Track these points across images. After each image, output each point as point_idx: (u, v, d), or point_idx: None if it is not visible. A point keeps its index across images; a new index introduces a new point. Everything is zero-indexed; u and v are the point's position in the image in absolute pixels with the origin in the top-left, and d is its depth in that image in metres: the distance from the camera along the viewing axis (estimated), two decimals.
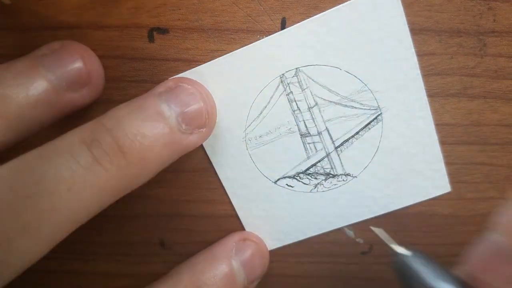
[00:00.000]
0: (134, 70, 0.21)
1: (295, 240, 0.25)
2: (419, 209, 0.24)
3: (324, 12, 0.20)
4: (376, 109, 0.22)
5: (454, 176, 0.24)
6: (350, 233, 0.25)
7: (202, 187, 0.24)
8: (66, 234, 0.18)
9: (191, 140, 0.20)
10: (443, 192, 0.24)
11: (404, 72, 0.21)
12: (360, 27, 0.20)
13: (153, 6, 0.20)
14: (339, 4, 0.20)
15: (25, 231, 0.17)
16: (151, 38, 0.21)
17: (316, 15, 0.20)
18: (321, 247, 0.25)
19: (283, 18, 0.20)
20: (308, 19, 0.20)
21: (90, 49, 0.21)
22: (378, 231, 0.18)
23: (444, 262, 0.26)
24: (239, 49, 0.21)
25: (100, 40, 0.21)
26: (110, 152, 0.18)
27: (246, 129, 0.22)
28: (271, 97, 0.22)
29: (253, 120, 0.22)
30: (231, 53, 0.21)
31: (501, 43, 0.21)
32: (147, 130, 0.18)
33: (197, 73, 0.21)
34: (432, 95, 0.22)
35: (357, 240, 0.25)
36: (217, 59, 0.21)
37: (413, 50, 0.21)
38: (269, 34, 0.21)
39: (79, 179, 0.17)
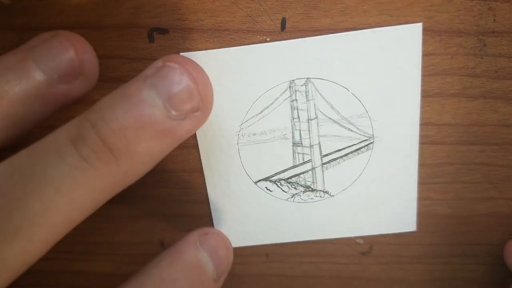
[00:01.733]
0: (134, 70, 0.21)
1: (258, 243, 0.25)
2: (419, 209, 0.24)
3: (348, 32, 0.20)
4: (370, 137, 0.22)
5: (454, 176, 0.24)
6: None
7: (202, 188, 0.24)
8: (63, 234, 0.18)
9: (184, 126, 0.18)
10: (407, 230, 0.25)
11: (405, 110, 0.22)
12: (378, 56, 0.20)
13: (153, 6, 0.20)
14: (339, 4, 0.20)
15: (17, 233, 0.16)
16: (151, 38, 0.21)
17: (340, 32, 0.20)
18: (321, 247, 0.25)
19: (283, 18, 0.20)
20: (332, 34, 0.20)
21: (82, 38, 0.20)
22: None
23: (445, 263, 0.27)
24: (258, 44, 0.21)
25: (100, 40, 0.21)
26: (96, 149, 0.17)
27: (242, 123, 0.22)
28: (276, 99, 0.22)
29: (252, 117, 0.22)
30: (249, 45, 0.21)
31: (501, 43, 0.21)
32: (131, 121, 0.17)
33: (208, 56, 0.21)
34: (432, 95, 0.22)
35: (357, 240, 0.25)
36: (235, 47, 0.21)
37: (419, 93, 0.21)
38: (269, 35, 0.21)
39: (67, 179, 0.16)
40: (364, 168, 0.23)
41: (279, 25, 0.20)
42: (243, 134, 0.22)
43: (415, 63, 0.21)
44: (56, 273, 0.27)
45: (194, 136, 0.23)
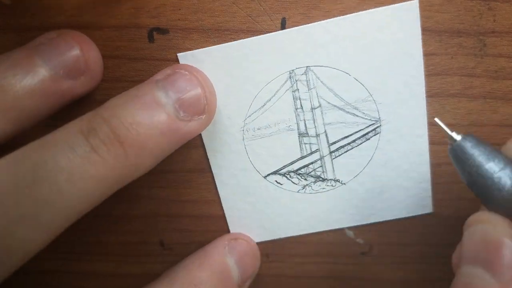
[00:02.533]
0: (134, 70, 0.21)
1: (274, 237, 0.25)
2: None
3: (344, 16, 0.20)
4: (376, 121, 0.22)
5: (454, 177, 0.24)
6: (350, 234, 0.25)
7: (201, 188, 0.24)
8: (68, 223, 0.18)
9: (190, 127, 0.19)
10: (424, 212, 0.24)
11: (410, 89, 0.21)
12: (377, 37, 0.20)
13: (153, 6, 0.20)
14: (339, 4, 0.20)
15: (25, 220, 0.17)
16: (151, 38, 0.21)
17: (331, 18, 0.20)
18: (321, 248, 0.25)
19: (283, 18, 0.20)
20: (328, 20, 0.20)
21: (87, 36, 0.20)
22: (437, 120, 0.18)
23: (445, 263, 0.26)
24: (253, 37, 0.20)
25: (100, 40, 0.21)
26: (107, 141, 0.18)
27: (246, 119, 0.22)
28: (277, 91, 0.22)
29: (255, 112, 0.22)
30: (244, 39, 0.21)
31: (501, 43, 0.21)
32: (143, 118, 0.18)
33: (207, 53, 0.21)
34: (432, 95, 0.22)
35: (357, 240, 0.25)
36: (230, 43, 0.21)
37: (422, 69, 0.21)
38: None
39: (77, 168, 0.17)
40: (374, 152, 0.23)
41: (279, 25, 0.20)
42: (247, 130, 0.22)
43: (415, 40, 0.20)
44: (56, 273, 0.27)
45: (195, 136, 0.23)
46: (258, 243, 0.25)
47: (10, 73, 0.18)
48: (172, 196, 0.24)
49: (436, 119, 0.18)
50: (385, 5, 0.20)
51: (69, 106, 0.21)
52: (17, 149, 0.18)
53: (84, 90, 0.20)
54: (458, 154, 0.17)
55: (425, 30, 0.20)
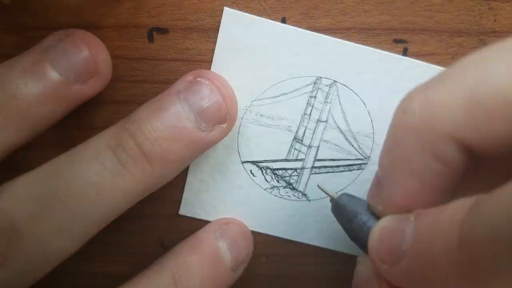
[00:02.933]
0: (134, 70, 0.21)
1: (217, 218, 0.24)
2: None
3: (390, 53, 0.20)
4: (366, 158, 0.22)
5: None
6: None
7: None
8: (97, 231, 0.20)
9: (212, 137, 0.20)
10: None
11: None
12: (404, 86, 0.20)
13: (153, 6, 0.20)
14: (339, 4, 0.20)
15: (59, 232, 0.18)
16: (151, 38, 0.21)
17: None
18: (322, 248, 0.25)
19: (283, 18, 0.20)
20: (372, 49, 0.20)
21: (96, 37, 0.20)
22: (319, 185, 0.21)
23: None
24: (301, 30, 0.20)
25: (100, 40, 0.21)
26: (134, 156, 0.18)
27: (255, 100, 0.22)
28: (296, 89, 0.22)
29: (266, 98, 0.22)
30: (293, 27, 0.20)
31: None
32: (167, 133, 0.19)
33: (254, 22, 0.20)
34: None
35: None
36: (278, 23, 0.20)
37: None
38: None
39: (107, 184, 0.18)
40: (349, 185, 0.23)
41: None
42: (251, 111, 0.22)
43: None
44: (55, 273, 0.27)
45: (218, 143, 0.22)
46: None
47: (21, 81, 0.19)
48: (172, 196, 0.24)
49: (318, 185, 0.21)
50: (384, 6, 0.20)
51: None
52: (46, 163, 0.19)
53: (94, 91, 0.20)
54: (336, 208, 0.19)
55: (425, 30, 0.20)
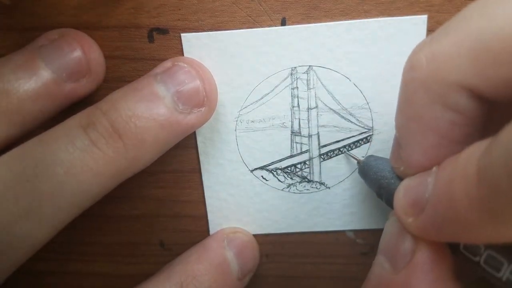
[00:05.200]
0: (134, 70, 0.21)
1: (251, 233, 0.25)
2: None
3: (353, 21, 0.20)
4: (369, 129, 0.22)
5: None
6: (350, 234, 0.25)
7: (201, 188, 0.24)
8: (70, 218, 0.18)
9: (190, 120, 0.19)
10: None
11: None
12: (382, 47, 0.20)
13: (153, 7, 0.20)
14: (339, 4, 0.20)
15: (26, 214, 0.17)
16: (151, 38, 0.21)
17: (338, 20, 0.20)
18: (322, 248, 0.25)
19: (283, 18, 0.20)
20: (337, 22, 0.20)
21: (89, 37, 0.20)
22: (346, 151, 0.22)
23: None
24: (260, 28, 0.20)
25: (100, 40, 0.21)
26: (106, 134, 0.18)
27: (241, 110, 0.22)
28: (276, 86, 0.21)
29: (251, 104, 0.22)
30: (252, 29, 0.20)
31: None
32: (142, 111, 0.18)
33: (212, 38, 0.21)
34: None
35: (357, 240, 0.25)
36: (237, 30, 0.20)
37: None
38: None
39: (76, 161, 0.17)
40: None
41: (279, 25, 0.20)
42: (241, 121, 0.22)
43: None
44: (56, 273, 0.27)
45: (193, 135, 0.23)
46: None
47: (13, 76, 0.18)
48: (172, 196, 0.24)
49: (345, 152, 0.22)
50: (384, 6, 0.20)
51: (70, 106, 0.21)
52: (18, 146, 0.18)
53: (87, 91, 0.21)
54: (363, 171, 0.20)
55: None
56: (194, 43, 0.21)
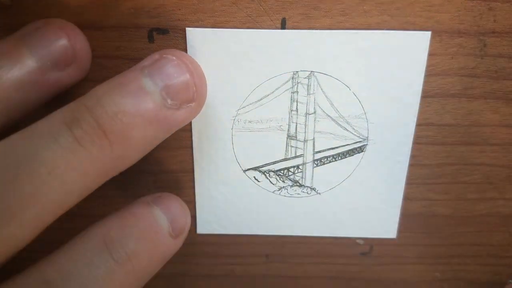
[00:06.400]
0: None
1: (239, 233, 0.25)
2: (419, 209, 0.24)
3: (358, 30, 0.20)
4: (364, 139, 0.22)
5: (454, 177, 0.24)
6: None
7: None
8: (53, 218, 0.17)
9: (179, 115, 0.18)
10: (388, 237, 0.25)
11: (403, 115, 0.22)
12: (384, 58, 0.21)
13: (153, 7, 0.20)
14: (339, 4, 0.20)
15: (7, 216, 0.16)
16: (151, 39, 0.21)
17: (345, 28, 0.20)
18: (321, 248, 0.25)
19: (283, 18, 0.20)
20: (342, 31, 0.20)
21: (75, 25, 0.20)
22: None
23: (445, 263, 0.27)
24: (265, 30, 0.20)
25: (100, 40, 0.21)
26: (91, 131, 0.17)
27: (239, 109, 0.22)
28: (277, 89, 0.22)
29: (250, 104, 0.22)
30: (257, 29, 0.20)
31: (501, 44, 0.21)
32: (128, 106, 0.17)
33: (217, 34, 0.20)
34: (432, 95, 0.22)
35: (357, 241, 0.25)
36: (241, 29, 0.20)
37: (419, 99, 0.21)
38: None
39: (60, 160, 0.16)
40: (354, 169, 0.23)
41: (279, 25, 0.20)
42: (239, 120, 0.22)
43: (419, 71, 0.21)
44: None
45: (185, 124, 0.22)
46: (224, 235, 0.25)
47: None
48: None
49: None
50: (385, 6, 0.20)
51: (60, 97, 0.20)
52: (1, 140, 0.17)
53: (72, 80, 0.20)
54: None
55: (425, 30, 0.20)
56: (198, 38, 0.21)
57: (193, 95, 0.19)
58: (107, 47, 0.21)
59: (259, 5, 0.20)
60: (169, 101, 0.18)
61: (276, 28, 0.20)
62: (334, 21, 0.20)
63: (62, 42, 0.19)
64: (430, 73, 0.21)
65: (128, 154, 0.18)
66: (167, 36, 0.21)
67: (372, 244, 0.25)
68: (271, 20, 0.20)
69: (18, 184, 0.16)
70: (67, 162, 0.16)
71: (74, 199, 0.17)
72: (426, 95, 0.22)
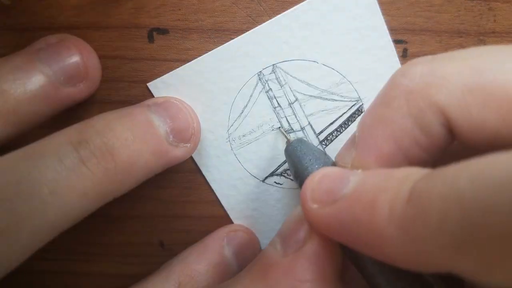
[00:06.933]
0: (134, 70, 0.21)
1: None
2: None
3: (295, 6, 0.20)
4: (357, 100, 0.22)
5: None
6: None
7: (201, 188, 0.24)
8: (47, 240, 0.17)
9: (177, 153, 0.20)
10: None
11: (382, 60, 0.21)
12: (333, 19, 0.20)
13: (153, 7, 0.20)
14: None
15: (2, 234, 0.16)
16: (151, 39, 0.21)
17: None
18: None
19: None
20: (280, 14, 0.20)
21: (87, 43, 0.20)
22: (280, 130, 0.22)
23: None
24: (214, 49, 0.21)
25: (100, 40, 0.21)
26: (98, 153, 0.17)
27: (229, 129, 0.22)
28: (251, 96, 0.22)
29: (235, 120, 0.22)
30: (206, 53, 0.21)
31: (501, 44, 0.21)
32: (137, 135, 0.18)
33: (175, 76, 0.21)
34: None
35: None
36: (193, 61, 0.21)
37: (389, 37, 0.21)
38: None
39: (63, 181, 0.16)
40: None
41: None
42: (233, 139, 0.22)
43: (374, 11, 0.20)
44: (56, 273, 0.27)
45: (177, 163, 0.23)
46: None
47: (11, 77, 0.18)
48: (172, 196, 0.24)
49: (279, 128, 0.22)
50: (386, 9, 0.20)
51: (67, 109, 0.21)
52: (1, 156, 0.17)
53: (83, 96, 0.21)
54: (287, 153, 0.20)
55: (425, 30, 0.20)
56: (161, 88, 0.21)
57: (190, 136, 0.20)
58: (107, 47, 0.21)
59: (259, 5, 0.20)
60: (171, 138, 0.20)
61: None
62: None
63: (75, 58, 0.20)
64: None
65: (128, 180, 0.19)
66: (167, 36, 0.21)
67: None
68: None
69: (17, 204, 0.16)
70: (69, 183, 0.17)
71: (70, 221, 0.17)
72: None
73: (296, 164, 0.19)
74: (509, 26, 0.20)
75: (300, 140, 0.20)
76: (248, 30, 0.21)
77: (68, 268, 0.26)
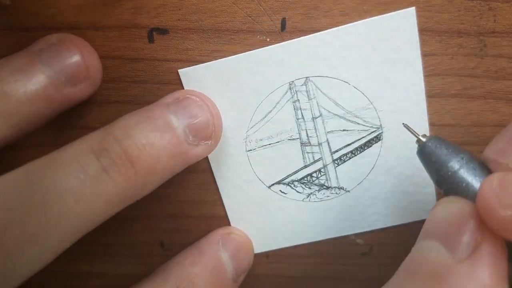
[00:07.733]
0: (134, 70, 0.21)
1: (280, 247, 0.25)
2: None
3: (341, 26, 0.20)
4: (378, 128, 0.22)
5: None
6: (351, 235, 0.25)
7: (202, 188, 0.24)
8: (72, 242, 0.18)
9: (197, 152, 0.20)
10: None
11: (410, 95, 0.21)
12: (374, 46, 0.20)
13: (153, 7, 0.20)
14: (339, 4, 0.20)
15: (33, 241, 0.17)
16: (151, 39, 0.21)
17: (335, 27, 0.20)
18: (321, 248, 0.25)
19: (283, 18, 0.20)
20: (325, 31, 0.20)
21: (87, 42, 0.20)
22: (405, 124, 0.19)
23: None
24: (253, 51, 0.21)
25: (100, 40, 0.21)
26: (119, 161, 0.18)
27: (248, 130, 0.22)
28: (278, 103, 0.22)
29: (257, 123, 0.22)
30: (244, 53, 0.21)
31: (501, 44, 0.21)
32: (156, 140, 0.18)
33: (208, 68, 0.21)
34: (432, 95, 0.22)
35: (357, 241, 0.25)
36: (231, 57, 0.21)
37: (422, 76, 0.21)
38: (269, 35, 0.21)
39: (87, 189, 0.17)
40: (376, 159, 0.23)
41: (279, 25, 0.20)
42: (250, 141, 0.22)
43: (413, 47, 0.20)
44: (56, 273, 0.27)
45: (200, 160, 0.23)
46: (261, 253, 0.25)
47: (12, 78, 0.18)
48: (172, 197, 0.24)
49: (404, 123, 0.19)
50: (384, 6, 0.20)
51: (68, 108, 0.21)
52: (23, 166, 0.18)
53: (83, 96, 0.21)
54: (424, 155, 0.18)
55: (425, 30, 0.20)
56: (191, 77, 0.21)
57: (211, 133, 0.20)
58: (107, 47, 0.21)
59: (259, 5, 0.20)
60: (190, 137, 0.19)
61: (276, 28, 0.20)
62: (334, 21, 0.20)
63: (76, 58, 0.20)
64: (430, 73, 0.21)
65: (149, 184, 0.19)
66: (167, 36, 0.21)
67: (372, 244, 0.25)
68: (271, 20, 0.20)
69: (44, 211, 0.17)
70: (93, 191, 0.17)
71: (94, 224, 0.18)
72: (426, 96, 0.22)
73: (439, 171, 0.17)
74: (509, 26, 0.20)
75: (434, 140, 0.18)
76: (248, 30, 0.21)
77: (68, 268, 0.26)
